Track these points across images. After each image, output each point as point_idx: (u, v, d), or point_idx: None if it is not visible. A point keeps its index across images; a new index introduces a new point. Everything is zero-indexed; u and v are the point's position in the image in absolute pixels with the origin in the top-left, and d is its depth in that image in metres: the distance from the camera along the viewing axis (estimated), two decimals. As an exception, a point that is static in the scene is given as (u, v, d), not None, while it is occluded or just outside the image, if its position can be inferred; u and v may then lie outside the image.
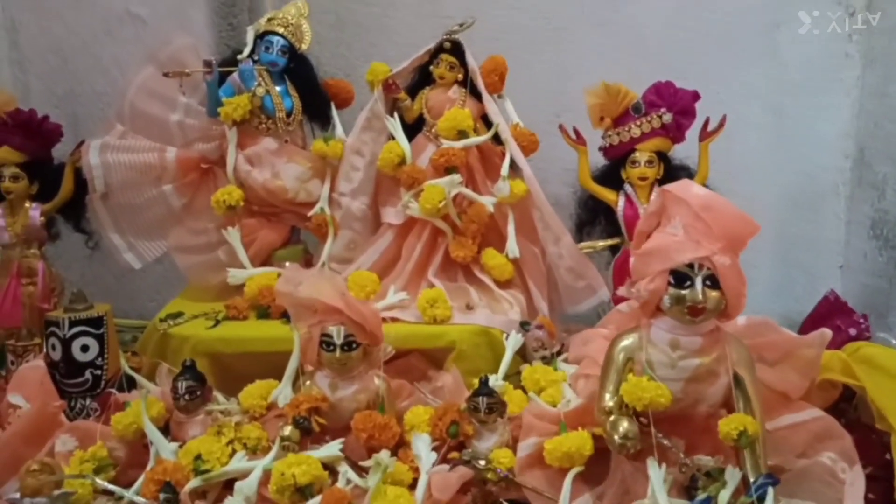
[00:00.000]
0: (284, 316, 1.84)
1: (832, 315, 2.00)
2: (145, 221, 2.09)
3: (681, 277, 1.48)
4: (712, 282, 1.48)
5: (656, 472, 1.44)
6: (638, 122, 2.02)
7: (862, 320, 1.94)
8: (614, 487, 1.51)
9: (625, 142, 2.04)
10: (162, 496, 1.49)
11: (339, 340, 1.62)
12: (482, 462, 1.57)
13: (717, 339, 1.54)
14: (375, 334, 1.65)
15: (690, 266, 1.47)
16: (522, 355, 1.91)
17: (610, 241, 2.10)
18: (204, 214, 2.09)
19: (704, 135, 2.04)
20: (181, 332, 1.91)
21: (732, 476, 1.48)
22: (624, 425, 1.46)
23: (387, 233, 2.10)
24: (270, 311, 1.95)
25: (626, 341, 1.58)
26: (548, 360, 1.87)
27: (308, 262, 2.15)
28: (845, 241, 2.64)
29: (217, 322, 1.95)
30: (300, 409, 1.60)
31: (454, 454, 1.62)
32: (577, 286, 2.09)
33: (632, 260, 1.58)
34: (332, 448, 1.57)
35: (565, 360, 1.89)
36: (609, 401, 1.54)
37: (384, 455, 1.52)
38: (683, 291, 1.48)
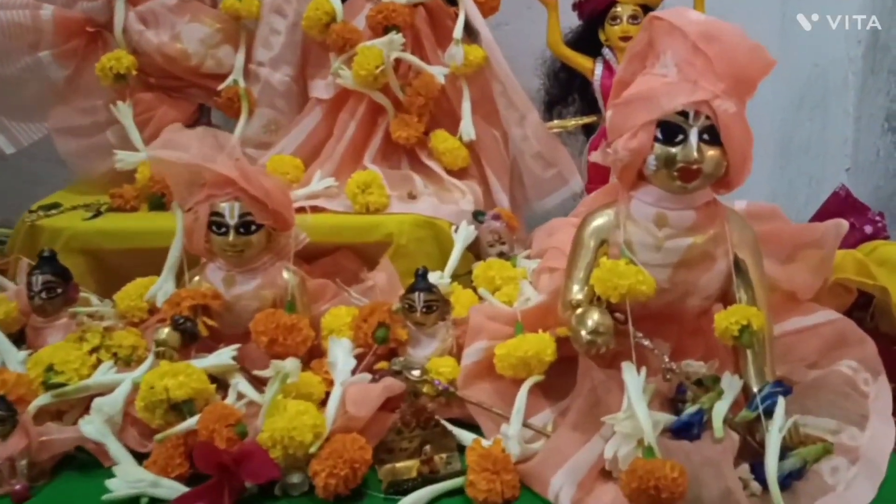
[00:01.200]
0: None
1: (843, 213, 1.69)
2: (19, 96, 1.70)
3: (671, 130, 1.15)
4: (711, 136, 1.15)
5: (633, 378, 1.11)
6: (619, -36, 1.66)
7: (878, 218, 1.66)
8: (581, 399, 1.18)
9: (602, -8, 1.68)
10: (-8, 415, 1.15)
11: (232, 220, 1.27)
12: (416, 372, 1.25)
13: (715, 215, 1.22)
14: (282, 214, 1.30)
15: (684, 115, 1.14)
16: (476, 252, 1.57)
17: (584, 119, 1.75)
18: (91, 90, 1.70)
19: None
20: (53, 223, 1.55)
21: (730, 385, 1.17)
22: (594, 317, 1.13)
23: (314, 110, 1.73)
24: (165, 200, 1.59)
25: (600, 220, 1.25)
26: (506, 256, 1.53)
27: (220, 148, 1.77)
28: (854, 140, 2.35)
29: (98, 213, 1.59)
30: (181, 306, 1.25)
31: (382, 364, 1.29)
32: (545, 175, 1.75)
33: (608, 115, 1.23)
34: (223, 356, 1.23)
35: (527, 258, 1.55)
36: (577, 293, 1.22)
37: (288, 362, 1.18)
38: (674, 149, 1.14)
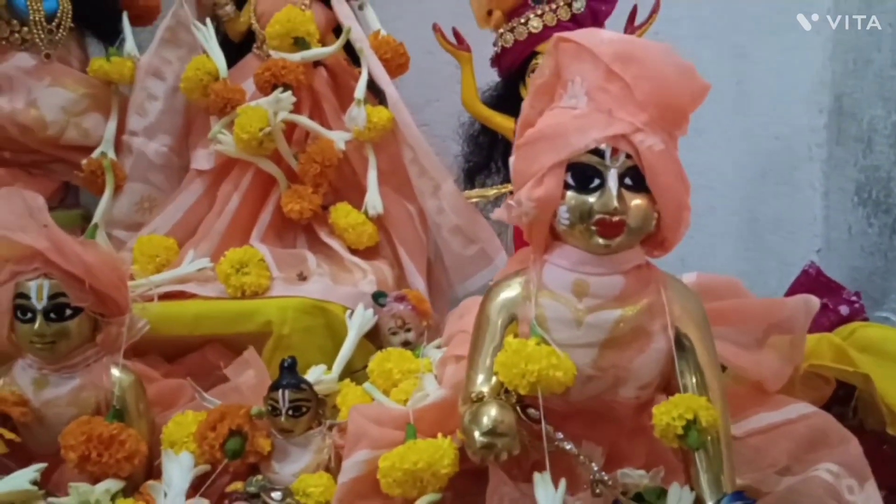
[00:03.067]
0: None
1: (815, 293, 1.50)
2: None
3: (585, 174, 0.93)
4: (635, 180, 0.93)
5: (548, 493, 0.84)
6: (539, 12, 1.47)
7: (854, 298, 1.49)
8: (489, 522, 0.91)
9: (522, 41, 1.49)
10: None
11: (40, 303, 1.01)
12: (276, 495, 0.96)
13: (649, 281, 0.99)
14: (109, 296, 1.04)
15: (599, 154, 0.92)
16: (378, 342, 1.31)
17: (507, 187, 1.52)
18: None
19: (631, 29, 1.51)
20: None
21: (679, 498, 0.92)
22: (491, 413, 0.88)
23: (194, 182, 1.50)
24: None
25: (507, 292, 1.02)
26: (411, 346, 1.27)
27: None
28: (824, 217, 2.19)
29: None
30: (-32, 415, 0.98)
31: (236, 485, 1.01)
32: (466, 253, 1.51)
33: (511, 161, 1.01)
34: (19, 479, 0.94)
35: (438, 347, 1.29)
36: (481, 385, 0.98)
37: (101, 488, 0.89)
38: (590, 197, 0.92)
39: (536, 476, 0.88)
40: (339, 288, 1.36)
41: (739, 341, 1.16)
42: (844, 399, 1.28)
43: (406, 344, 1.28)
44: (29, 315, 1.01)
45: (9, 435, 1.01)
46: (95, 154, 1.50)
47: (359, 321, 1.27)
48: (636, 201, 0.93)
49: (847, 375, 1.22)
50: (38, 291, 1.01)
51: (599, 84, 0.93)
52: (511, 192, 1.50)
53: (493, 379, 0.96)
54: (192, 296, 1.34)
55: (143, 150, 1.53)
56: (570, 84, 0.95)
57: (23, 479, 0.95)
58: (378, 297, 1.33)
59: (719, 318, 1.18)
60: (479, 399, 0.94)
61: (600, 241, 0.93)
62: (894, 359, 1.23)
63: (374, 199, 1.48)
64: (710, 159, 2.14)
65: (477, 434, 0.87)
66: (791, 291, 1.47)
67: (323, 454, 1.06)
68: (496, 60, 1.55)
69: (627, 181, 0.92)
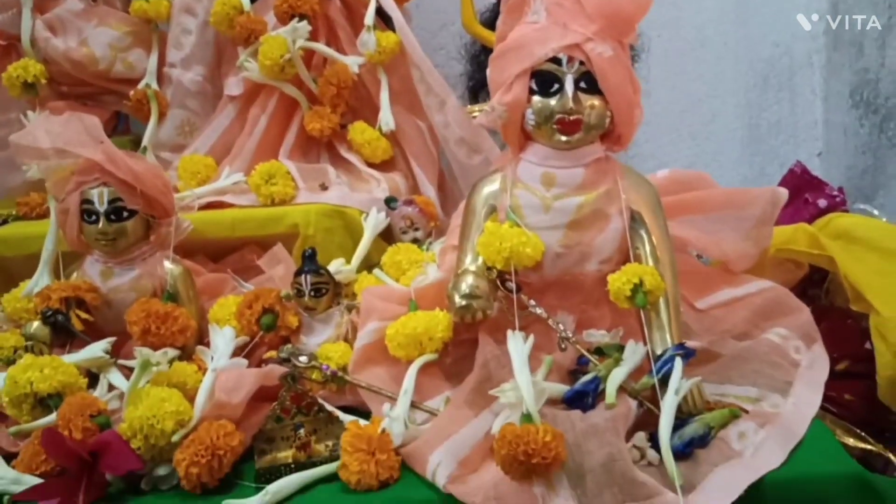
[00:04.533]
0: None
1: (800, 190, 1.65)
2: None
3: (546, 80, 1.09)
4: (589, 84, 1.08)
5: (518, 346, 1.02)
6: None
7: (837, 193, 1.58)
8: (474, 375, 1.09)
9: (512, -35, 1.60)
10: None
11: (101, 207, 1.21)
12: (303, 359, 1.15)
13: (606, 171, 1.14)
14: (157, 200, 1.23)
15: (557, 62, 1.07)
16: (390, 241, 1.49)
17: (505, 100, 1.66)
18: (7, 103, 1.66)
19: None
20: (-49, 234, 1.51)
21: (633, 352, 1.08)
22: (468, 280, 1.06)
23: (227, 107, 1.67)
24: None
25: (488, 186, 1.19)
26: (420, 243, 1.45)
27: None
28: (824, 121, 2.27)
29: (5, 221, 1.54)
30: (51, 299, 1.19)
31: (271, 353, 1.21)
32: (471, 162, 1.65)
33: (488, 72, 1.16)
34: (94, 349, 1.16)
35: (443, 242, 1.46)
36: (469, 264, 1.15)
37: (160, 352, 1.10)
38: (551, 100, 1.07)
39: (509, 333, 1.04)
40: (355, 195, 1.52)
41: (708, 227, 1.29)
42: (818, 282, 1.40)
43: (415, 241, 1.45)
44: (93, 217, 1.21)
45: (84, 315, 1.22)
46: (140, 85, 1.67)
47: (373, 222, 1.44)
48: (591, 101, 1.08)
49: (815, 258, 1.33)
50: (100, 197, 1.21)
51: (556, 0, 1.07)
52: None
53: (480, 259, 1.13)
54: (230, 206, 1.52)
55: (181, 79, 1.69)
56: (534, 2, 1.10)
57: (97, 349, 1.16)
58: (389, 202, 1.50)
59: (690, 207, 1.32)
60: (464, 273, 1.12)
61: (562, 138, 1.10)
62: (860, 242, 1.31)
63: (386, 117, 1.62)
64: (713, 69, 2.24)
65: (457, 297, 1.05)
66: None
67: (341, 328, 1.25)
68: (493, -21, 1.67)
69: (582, 85, 1.08)
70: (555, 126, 1.09)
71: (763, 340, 1.17)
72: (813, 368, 1.13)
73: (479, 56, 1.71)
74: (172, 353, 1.14)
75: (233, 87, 1.66)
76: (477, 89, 1.74)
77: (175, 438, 1.03)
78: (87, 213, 1.21)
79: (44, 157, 1.19)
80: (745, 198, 1.29)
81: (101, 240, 1.22)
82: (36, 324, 1.18)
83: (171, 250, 1.26)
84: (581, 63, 1.07)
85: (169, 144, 1.69)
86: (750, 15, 2.20)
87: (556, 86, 1.08)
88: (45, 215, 1.57)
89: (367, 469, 0.99)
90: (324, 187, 1.54)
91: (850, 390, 1.26)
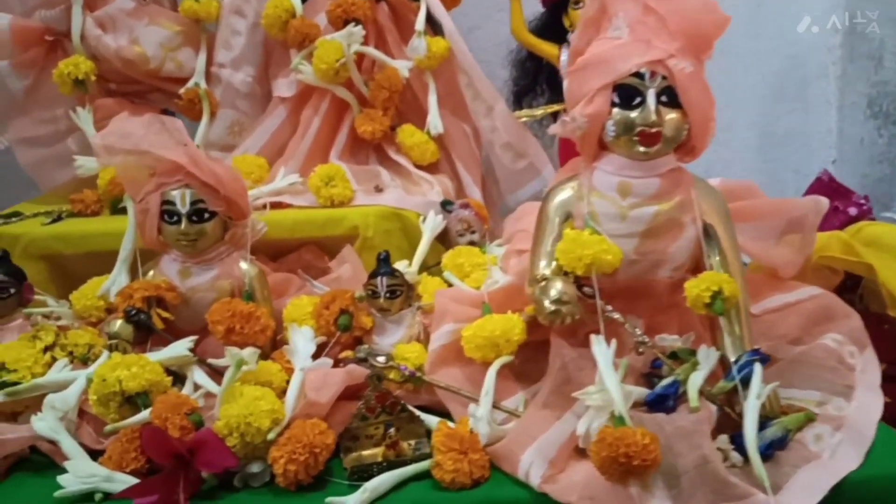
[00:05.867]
0: None
1: (828, 197, 1.66)
2: (-23, 107, 1.68)
3: (628, 94, 1.12)
4: (670, 98, 1.12)
5: (603, 350, 1.06)
6: (580, -51, 1.63)
7: (863, 201, 1.61)
8: (551, 378, 1.13)
9: (565, -24, 1.65)
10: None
11: (184, 208, 1.22)
12: (381, 359, 1.18)
13: (680, 182, 1.18)
14: (236, 202, 1.25)
15: (640, 76, 1.11)
16: (446, 243, 1.52)
17: (553, 107, 1.71)
18: (52, 99, 1.67)
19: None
20: (11, 230, 1.50)
21: (707, 357, 1.11)
22: (557, 286, 1.09)
23: (278, 108, 1.70)
24: (127, 202, 1.55)
25: (563, 194, 1.21)
26: (476, 246, 1.49)
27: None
28: (838, 130, 2.33)
29: (59, 218, 1.55)
30: (133, 298, 1.21)
31: (347, 353, 1.24)
32: (516, 167, 1.70)
33: (565, 84, 1.20)
34: (178, 347, 1.18)
35: (499, 246, 1.50)
36: (544, 269, 1.18)
37: (245, 351, 1.13)
38: (632, 113, 1.11)
39: (593, 337, 1.07)
40: (411, 198, 1.56)
41: (756, 235, 1.34)
42: (852, 288, 1.42)
43: (472, 244, 1.48)
44: (175, 218, 1.23)
45: (165, 314, 1.24)
46: (189, 85, 1.67)
47: (431, 225, 1.47)
48: (671, 115, 1.12)
49: (853, 266, 1.36)
50: (182, 198, 1.22)
51: (638, 17, 1.11)
52: (556, 111, 1.71)
53: (553, 264, 1.16)
54: (287, 206, 1.55)
55: (231, 80, 1.71)
56: (615, 18, 1.13)
57: (181, 347, 1.18)
58: (446, 205, 1.53)
59: (739, 215, 1.35)
60: (544, 279, 1.15)
61: (641, 149, 1.13)
62: (889, 250, 1.35)
63: (435, 121, 1.65)
64: (729, 79, 2.29)
65: (547, 303, 1.09)
66: (806, 195, 1.58)
67: (414, 329, 1.28)
68: (541, -9, 1.71)
69: (663, 99, 1.11)
70: (636, 138, 1.12)
71: (819, 345, 1.21)
72: (867, 372, 1.18)
73: (525, 62, 1.75)
74: (255, 352, 1.16)
75: (283, 88, 1.69)
76: (521, 95, 1.77)
77: (271, 436, 1.05)
78: (169, 213, 1.23)
79: (126, 158, 1.20)
80: (791, 207, 1.34)
81: (183, 240, 1.24)
82: (119, 322, 1.20)
83: (247, 251, 1.27)
84: (663, 78, 1.10)
85: (219, 144, 1.71)
86: (764, 26, 2.26)
87: (638, 99, 1.11)
88: (98, 213, 1.59)
89: (461, 468, 1.03)
90: (378, 189, 1.57)
91: (889, 393, 1.31)
